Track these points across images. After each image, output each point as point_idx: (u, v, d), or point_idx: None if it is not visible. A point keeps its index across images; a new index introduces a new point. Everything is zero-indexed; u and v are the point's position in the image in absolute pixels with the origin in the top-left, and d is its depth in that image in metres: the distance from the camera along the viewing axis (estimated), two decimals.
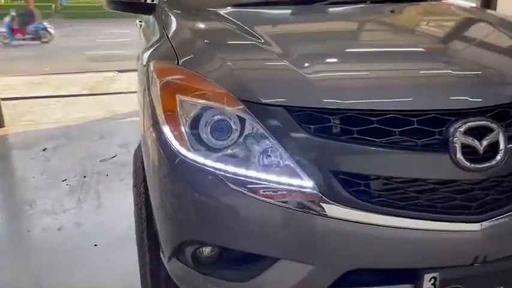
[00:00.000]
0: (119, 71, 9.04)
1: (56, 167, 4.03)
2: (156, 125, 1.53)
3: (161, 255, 1.65)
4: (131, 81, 7.61)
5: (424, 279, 1.39)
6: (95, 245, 2.81)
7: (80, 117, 5.54)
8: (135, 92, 6.41)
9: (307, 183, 1.36)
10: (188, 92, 1.48)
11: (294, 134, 1.36)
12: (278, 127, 1.38)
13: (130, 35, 11.43)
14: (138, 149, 2.03)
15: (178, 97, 1.49)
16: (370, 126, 1.35)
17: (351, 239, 1.35)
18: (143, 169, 1.82)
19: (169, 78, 1.54)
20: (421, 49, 1.68)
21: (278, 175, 1.39)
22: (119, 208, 3.27)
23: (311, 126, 1.36)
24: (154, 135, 1.53)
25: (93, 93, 7.22)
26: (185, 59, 1.61)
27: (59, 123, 5.30)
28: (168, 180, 1.48)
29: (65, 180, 3.76)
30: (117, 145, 4.51)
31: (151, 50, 1.90)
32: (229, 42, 1.80)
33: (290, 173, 1.38)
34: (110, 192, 3.55)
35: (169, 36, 1.87)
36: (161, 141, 1.49)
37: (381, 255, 1.37)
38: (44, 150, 4.45)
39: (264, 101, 1.39)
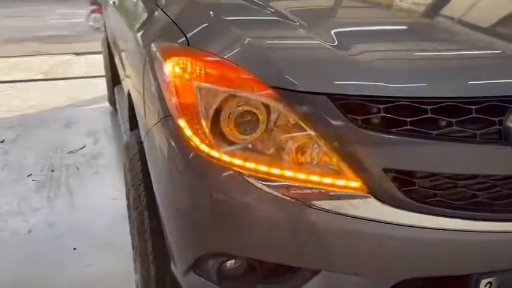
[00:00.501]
0: (76, 54, 8.48)
1: (18, 161, 3.65)
2: (167, 119, 1.29)
3: (172, 267, 1.43)
4: (90, 64, 7.13)
5: (480, 285, 1.26)
6: (74, 249, 2.53)
7: (39, 105, 5.10)
8: (97, 77, 6.05)
9: (353, 184, 1.18)
10: (208, 79, 1.25)
11: (337, 127, 1.17)
12: (318, 118, 1.18)
13: (84, 15, 10.79)
14: (131, 144, 1.77)
15: (196, 85, 1.26)
16: (424, 116, 1.18)
17: (404, 245, 1.18)
18: (143, 169, 1.58)
19: (182, 62, 1.30)
20: (482, 28, 1.51)
21: (318, 174, 1.20)
22: (95, 205, 2.98)
23: (358, 118, 1.17)
24: (165, 131, 1.29)
25: (49, 78, 6.69)
26: (197, 38, 1.38)
27: (16, 111, 4.84)
28: (186, 184, 1.26)
29: (30, 175, 3.40)
30: (84, 134, 4.16)
31: (145, 28, 1.65)
32: (252, 18, 1.56)
33: (333, 171, 1.19)
34: (83, 187, 3.23)
35: (167, 12, 1.62)
36: (176, 138, 1.26)
37: (436, 262, 1.22)
38: (2, 142, 4.04)
39: (302, 88, 1.19)
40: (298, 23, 1.44)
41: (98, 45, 5.27)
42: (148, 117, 1.43)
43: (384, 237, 1.17)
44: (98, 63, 5.77)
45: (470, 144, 1.18)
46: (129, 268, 2.16)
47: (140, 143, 1.68)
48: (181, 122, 1.25)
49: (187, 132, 1.24)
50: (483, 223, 1.21)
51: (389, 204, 1.17)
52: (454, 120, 1.17)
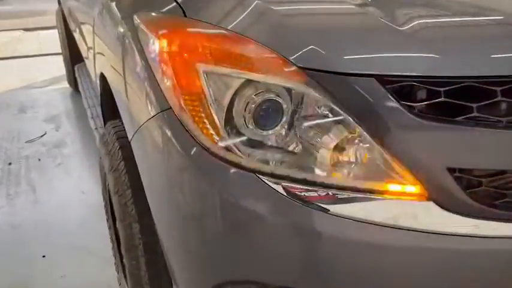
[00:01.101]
0: (25, 30, 7.81)
1: None
2: (165, 114, 1.00)
3: None
4: (42, 41, 6.56)
5: None
6: (43, 256, 2.21)
7: None
8: (53, 55, 5.55)
9: (410, 188, 0.94)
10: (218, 60, 0.97)
11: (389, 116, 0.92)
12: (363, 106, 0.93)
13: None
14: (109, 139, 1.47)
15: (203, 68, 0.97)
16: (493, 100, 0.95)
17: (480, 261, 0.96)
18: (129, 170, 1.29)
19: (181, 39, 1.01)
20: None
21: (364, 178, 0.95)
22: (62, 201, 2.64)
23: (414, 104, 0.93)
24: (164, 128, 1.01)
25: None
26: (196, 6, 1.08)
27: None
28: (196, 194, 0.98)
29: None
30: (43, 120, 3.74)
31: None
32: None
33: (383, 174, 0.95)
34: (47, 181, 2.87)
35: None
36: (179, 137, 0.98)
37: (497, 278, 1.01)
38: None
39: (343, 68, 0.93)
40: None
41: (51, 19, 4.78)
42: (136, 110, 1.14)
43: (454, 254, 0.95)
44: (51, 39, 5.27)
45: None
46: (110, 276, 1.88)
47: (123, 139, 1.39)
48: (185, 117, 0.97)
49: (194, 129, 0.96)
50: None
51: (455, 212, 0.94)
52: None
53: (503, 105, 0.95)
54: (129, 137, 1.19)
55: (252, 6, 1.05)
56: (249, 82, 0.97)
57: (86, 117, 2.83)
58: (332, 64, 0.93)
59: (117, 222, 1.37)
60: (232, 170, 0.94)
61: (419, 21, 1.02)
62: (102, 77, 1.60)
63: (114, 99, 1.72)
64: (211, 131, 0.96)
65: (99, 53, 1.60)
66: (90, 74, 2.41)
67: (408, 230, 0.92)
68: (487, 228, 0.95)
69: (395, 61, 0.94)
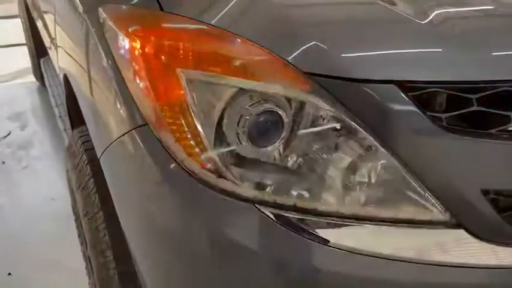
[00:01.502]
0: None
1: None
2: (141, 131, 0.82)
3: None
4: (4, 31, 6.20)
5: None
6: (9, 274, 2.00)
7: None
8: (16, 46, 5.23)
9: (439, 216, 0.79)
10: (204, 65, 0.79)
11: (412, 129, 0.77)
12: (382, 119, 0.77)
13: None
14: (76, 150, 1.27)
15: (185, 75, 0.79)
16: None
17: None
18: (101, 191, 1.10)
19: (158, 39, 0.82)
20: None
21: (383, 204, 0.80)
22: (29, 209, 2.43)
23: (442, 115, 0.78)
24: (139, 148, 0.83)
25: None
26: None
27: None
28: (182, 228, 0.81)
29: None
30: (7, 118, 3.47)
31: None
32: None
33: (406, 198, 0.80)
34: (12, 187, 2.64)
35: None
36: (158, 159, 0.80)
37: None
38: None
39: (358, 74, 0.76)
40: None
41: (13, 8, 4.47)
42: (105, 124, 0.95)
43: None
44: (14, 29, 4.94)
45: None
46: None
47: (92, 151, 1.20)
48: (165, 135, 0.79)
49: (177, 150, 0.79)
50: None
51: (490, 241, 0.80)
52: None
53: None
54: (98, 153, 1.01)
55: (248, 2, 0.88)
56: (242, 91, 0.79)
57: (55, 115, 2.61)
58: (344, 69, 0.77)
59: (88, 248, 1.19)
60: (226, 199, 0.78)
61: (449, 18, 0.86)
62: (66, 80, 1.40)
63: None
64: (199, 153, 0.79)
65: (60, 47, 1.39)
66: (55, 69, 2.19)
67: (438, 265, 0.78)
68: None
69: (421, 65, 0.78)
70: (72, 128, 1.67)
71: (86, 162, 1.20)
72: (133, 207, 0.91)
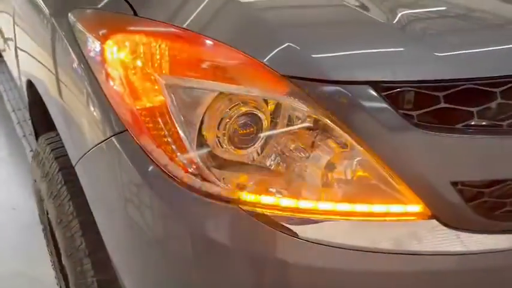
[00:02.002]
0: None
1: None
2: (120, 137, 0.82)
3: None
4: None
5: None
6: None
7: None
8: None
9: (413, 208, 0.84)
10: (183, 70, 0.80)
11: (386, 127, 0.81)
12: (357, 118, 0.81)
13: None
14: (44, 158, 1.24)
15: (164, 81, 0.80)
16: (494, 103, 0.86)
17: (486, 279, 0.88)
18: (75, 199, 1.09)
19: (135, 44, 0.82)
20: None
21: (361, 199, 0.83)
22: None
23: (413, 113, 0.82)
24: (119, 155, 0.82)
25: None
26: (150, 3, 0.89)
27: None
28: (166, 234, 0.82)
29: None
30: None
31: None
32: None
33: (382, 193, 0.83)
34: None
35: None
36: (139, 165, 0.81)
37: None
38: None
39: (334, 76, 0.79)
40: None
41: None
42: (81, 131, 0.94)
43: (458, 275, 0.86)
44: None
45: None
46: None
47: (62, 158, 1.18)
48: (146, 141, 0.80)
49: (159, 156, 0.79)
50: None
51: (459, 229, 0.86)
52: None
53: (503, 108, 0.87)
54: (73, 161, 0.99)
55: (218, 2, 0.89)
56: (222, 94, 0.81)
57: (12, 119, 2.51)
58: (320, 71, 0.80)
59: (62, 258, 1.17)
60: (209, 201, 0.79)
61: (416, 21, 0.90)
62: (29, 86, 1.36)
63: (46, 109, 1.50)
64: (181, 157, 0.80)
65: (24, 50, 1.35)
66: (12, 72, 2.11)
67: (414, 254, 0.83)
68: (491, 243, 0.88)
69: (392, 66, 0.82)
70: (36, 134, 1.63)
71: (57, 170, 1.17)
72: (114, 214, 0.90)
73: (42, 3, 1.12)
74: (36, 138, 1.62)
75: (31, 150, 1.92)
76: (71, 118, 0.99)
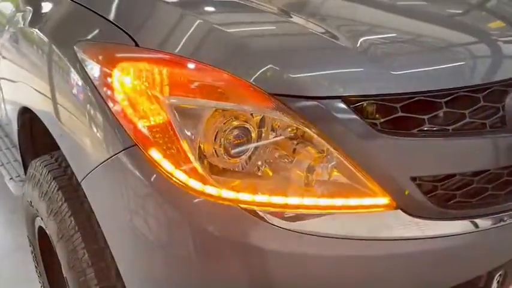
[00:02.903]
0: None
1: None
2: (130, 152, 0.94)
3: None
4: None
5: (494, 281, 1.20)
6: None
7: None
8: None
9: (382, 200, 0.99)
10: (184, 91, 0.94)
11: (356, 134, 0.97)
12: (332, 127, 0.97)
13: None
14: (42, 179, 1.33)
15: (168, 101, 0.93)
16: (440, 111, 1.04)
17: (441, 258, 1.05)
18: (77, 214, 1.18)
19: (140, 71, 0.95)
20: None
21: (338, 195, 0.99)
22: None
23: (377, 121, 0.99)
24: (131, 167, 0.94)
25: None
26: (147, 35, 1.03)
27: None
28: (178, 235, 0.94)
29: None
30: None
31: (49, 24, 1.22)
32: (227, 10, 1.24)
33: (356, 189, 0.99)
34: None
35: (78, 0, 1.22)
36: (147, 173, 0.93)
37: (462, 268, 1.12)
38: None
39: (312, 92, 0.95)
40: (273, 8, 1.18)
41: None
42: (90, 148, 1.05)
43: (421, 256, 1.02)
44: None
45: (483, 136, 1.08)
46: None
47: (61, 178, 1.27)
48: (155, 154, 0.92)
49: (167, 166, 0.92)
50: (495, 217, 1.14)
51: (420, 217, 1.02)
52: (466, 111, 1.06)
53: (448, 115, 1.05)
54: (80, 177, 1.09)
55: (209, 32, 1.05)
56: (217, 111, 0.95)
57: None
58: (299, 88, 0.96)
59: (64, 271, 1.25)
60: (212, 203, 0.92)
61: (375, 45, 1.09)
62: (23, 111, 1.45)
63: (34, 135, 1.58)
64: (185, 166, 0.93)
65: (16, 81, 1.44)
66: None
67: (386, 240, 0.98)
68: (446, 228, 1.05)
69: (358, 83, 0.99)
70: (24, 159, 1.70)
71: (56, 188, 1.26)
72: (124, 223, 1.00)
73: (43, 37, 1.23)
74: (24, 164, 1.69)
75: (11, 178, 1.98)
76: (78, 139, 1.09)
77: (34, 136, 1.58)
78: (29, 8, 1.40)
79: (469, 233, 1.06)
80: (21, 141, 1.60)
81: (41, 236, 1.52)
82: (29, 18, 1.34)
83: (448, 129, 1.05)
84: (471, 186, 1.09)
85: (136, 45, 1.01)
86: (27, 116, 1.48)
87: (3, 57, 1.59)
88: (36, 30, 1.27)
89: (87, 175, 1.05)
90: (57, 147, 1.29)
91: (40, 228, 1.47)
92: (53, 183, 1.28)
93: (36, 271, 1.71)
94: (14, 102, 1.53)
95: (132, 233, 1.00)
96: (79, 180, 1.10)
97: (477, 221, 1.08)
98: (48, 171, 1.32)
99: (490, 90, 1.09)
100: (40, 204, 1.33)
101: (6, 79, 1.61)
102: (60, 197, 1.25)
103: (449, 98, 1.04)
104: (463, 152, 1.06)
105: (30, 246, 1.67)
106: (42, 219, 1.33)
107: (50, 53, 1.16)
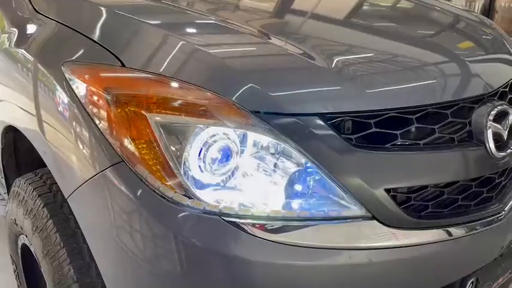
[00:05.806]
0: None
1: None
2: (117, 168, 0.98)
3: None
4: None
5: (466, 286, 1.26)
6: None
7: None
8: None
9: (358, 211, 1.04)
10: (169, 109, 0.98)
11: (332, 148, 1.02)
12: (310, 142, 1.02)
13: None
14: (26, 197, 1.34)
15: (154, 119, 0.97)
16: (412, 126, 1.10)
17: (418, 265, 1.10)
18: (62, 230, 1.20)
19: (127, 91, 0.99)
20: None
21: (317, 207, 1.03)
22: None
23: (352, 136, 1.04)
24: (118, 183, 0.98)
25: None
26: (134, 56, 1.07)
27: None
28: (167, 250, 0.97)
29: None
30: None
31: (34, 44, 1.25)
32: (193, 22, 1.28)
33: (333, 201, 1.04)
34: None
35: (62, 21, 1.26)
36: (137, 191, 0.97)
37: (437, 275, 1.17)
38: None
39: (290, 109, 1.01)
40: (252, 29, 1.24)
41: None
42: (77, 165, 1.07)
43: (397, 264, 1.07)
44: None
45: (453, 149, 1.15)
46: None
47: (45, 195, 1.29)
48: (142, 169, 0.96)
49: (154, 181, 0.95)
50: (466, 226, 1.20)
51: (394, 227, 1.07)
52: (436, 126, 1.13)
53: (419, 131, 1.12)
54: (66, 194, 1.11)
55: (192, 52, 1.09)
56: (200, 129, 0.99)
57: None
58: (278, 106, 1.01)
59: (49, 287, 1.26)
60: (197, 215, 0.96)
61: (350, 65, 1.16)
62: (7, 131, 1.46)
63: (18, 153, 1.60)
64: (170, 182, 0.96)
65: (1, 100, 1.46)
66: None
67: (364, 249, 1.03)
68: (419, 238, 1.10)
69: (333, 101, 1.05)
70: (6, 178, 1.70)
71: (41, 206, 1.28)
72: (111, 239, 1.03)
73: (29, 57, 1.26)
74: (7, 183, 1.69)
75: None
76: (65, 157, 1.12)
77: (17, 155, 1.60)
78: (14, 29, 1.43)
79: (443, 241, 1.12)
80: (4, 161, 1.61)
81: (23, 254, 1.53)
82: (15, 39, 1.37)
83: (420, 144, 1.12)
84: (443, 197, 1.16)
85: (123, 65, 1.06)
86: (10, 135, 1.49)
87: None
88: (22, 50, 1.30)
89: (73, 191, 1.08)
90: (41, 166, 1.31)
91: (24, 245, 1.47)
92: (38, 200, 1.30)
93: None
94: None
95: (119, 248, 1.03)
96: (65, 196, 1.12)
97: (450, 229, 1.13)
98: (33, 189, 1.33)
99: (457, 106, 1.17)
100: (25, 221, 1.34)
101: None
102: (46, 214, 1.26)
103: (419, 114, 1.11)
104: (434, 165, 1.12)
105: (12, 264, 1.67)
106: (26, 236, 1.34)
107: (36, 72, 1.19)
